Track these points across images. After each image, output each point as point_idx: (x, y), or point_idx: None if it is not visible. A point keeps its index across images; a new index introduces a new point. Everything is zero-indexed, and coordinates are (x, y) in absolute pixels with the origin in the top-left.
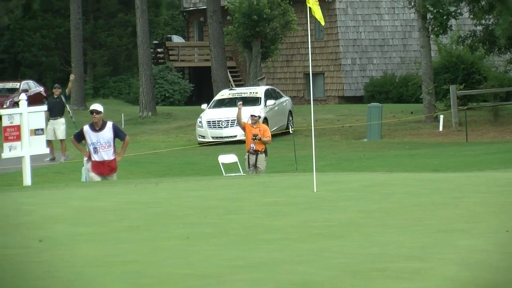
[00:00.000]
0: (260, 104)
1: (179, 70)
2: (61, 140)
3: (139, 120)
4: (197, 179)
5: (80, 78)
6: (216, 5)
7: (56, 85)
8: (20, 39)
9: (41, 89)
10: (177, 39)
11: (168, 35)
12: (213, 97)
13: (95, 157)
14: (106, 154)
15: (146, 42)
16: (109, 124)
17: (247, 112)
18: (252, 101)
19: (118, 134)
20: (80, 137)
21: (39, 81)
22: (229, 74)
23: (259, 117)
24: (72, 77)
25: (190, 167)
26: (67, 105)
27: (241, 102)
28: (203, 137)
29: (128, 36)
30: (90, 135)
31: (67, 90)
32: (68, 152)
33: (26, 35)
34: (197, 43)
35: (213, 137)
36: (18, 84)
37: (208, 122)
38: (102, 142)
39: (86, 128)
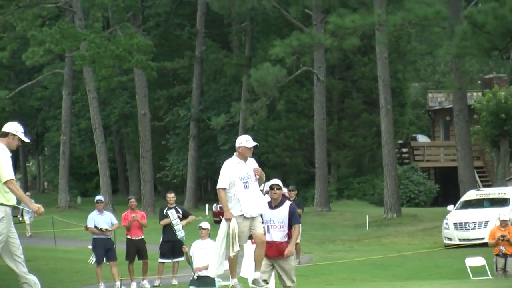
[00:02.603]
0: (508, 205)
1: (424, 171)
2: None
3: (384, 221)
4: (443, 282)
5: (324, 179)
6: (462, 104)
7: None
8: (264, 140)
9: (284, 190)
10: (422, 138)
11: (413, 135)
12: (459, 198)
13: (267, 237)
14: (277, 235)
15: (390, 142)
16: (287, 203)
17: (495, 213)
18: (500, 202)
19: (292, 216)
20: None
21: (283, 182)
22: (476, 174)
23: (509, 220)
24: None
25: (436, 270)
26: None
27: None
28: (450, 239)
29: (373, 136)
30: (266, 212)
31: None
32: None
33: (270, 136)
34: (443, 142)
35: (460, 239)
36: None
37: (455, 223)
38: (275, 221)
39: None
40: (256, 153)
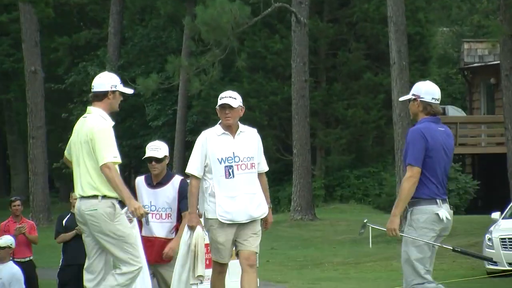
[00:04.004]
0: None
1: (457, 160)
2: None
3: (395, 236)
4: None
5: (306, 171)
6: None
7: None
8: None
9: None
10: (453, 111)
11: (441, 106)
12: (509, 201)
13: (144, 231)
14: (160, 229)
15: (406, 116)
16: (176, 179)
17: None
18: None
19: (182, 199)
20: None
21: None
22: None
23: None
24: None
25: None
26: None
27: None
28: (495, 263)
29: (379, 108)
30: (143, 192)
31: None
32: None
33: None
34: (485, 117)
35: (510, 264)
36: None
37: (503, 240)
38: (157, 207)
39: (140, 180)
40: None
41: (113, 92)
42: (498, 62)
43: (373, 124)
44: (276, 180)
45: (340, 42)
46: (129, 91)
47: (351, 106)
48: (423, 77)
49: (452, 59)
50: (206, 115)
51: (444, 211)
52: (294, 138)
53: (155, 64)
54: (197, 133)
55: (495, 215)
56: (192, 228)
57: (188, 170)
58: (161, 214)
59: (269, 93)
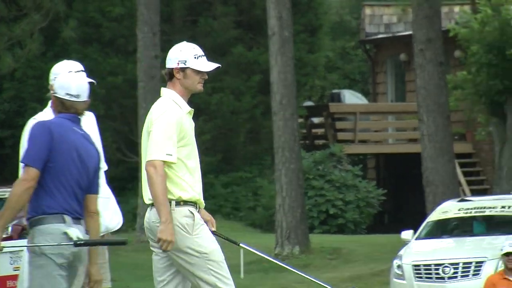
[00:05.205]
0: None
1: (357, 162)
2: None
3: (272, 263)
4: None
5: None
6: (432, 29)
7: None
8: (35, 99)
9: None
10: (351, 97)
11: (334, 90)
12: (424, 216)
13: None
14: None
15: (289, 104)
16: None
17: (495, 245)
18: (506, 224)
19: None
20: None
21: None
22: (458, 169)
23: None
24: None
25: None
26: None
27: None
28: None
29: (253, 93)
30: None
31: None
32: None
33: (46, 91)
34: (393, 105)
35: None
36: None
37: (417, 267)
38: None
39: None
40: (16, 126)
41: (182, 70)
42: (410, 32)
43: (245, 115)
44: (117, 189)
45: (202, 5)
46: (208, 67)
47: (216, 90)
48: (311, 52)
49: (349, 28)
50: (22, 102)
51: (77, 230)
52: (141, 134)
53: None
54: (10, 127)
55: (406, 234)
56: None
57: (23, 161)
58: None
59: (107, 72)
